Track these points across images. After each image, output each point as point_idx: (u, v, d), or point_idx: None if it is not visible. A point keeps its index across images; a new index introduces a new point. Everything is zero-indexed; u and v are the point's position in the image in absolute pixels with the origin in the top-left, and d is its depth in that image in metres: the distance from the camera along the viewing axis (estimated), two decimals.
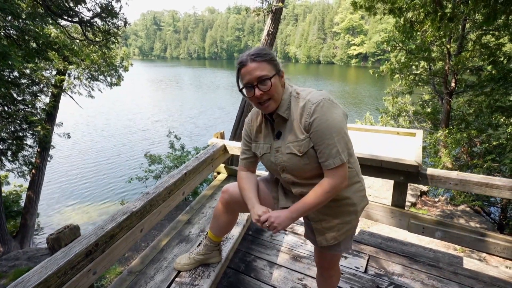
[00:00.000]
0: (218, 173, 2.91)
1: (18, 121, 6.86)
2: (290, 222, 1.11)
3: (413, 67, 7.72)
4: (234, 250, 1.98)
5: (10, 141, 6.93)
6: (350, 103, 27.08)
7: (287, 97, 1.12)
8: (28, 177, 7.90)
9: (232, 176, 2.84)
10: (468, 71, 6.69)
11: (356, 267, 2.05)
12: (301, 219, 1.39)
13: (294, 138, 1.09)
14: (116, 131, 18.74)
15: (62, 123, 8.85)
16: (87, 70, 8.74)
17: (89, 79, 9.02)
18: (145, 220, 1.65)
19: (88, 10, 6.10)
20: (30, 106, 7.11)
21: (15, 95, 6.63)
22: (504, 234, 1.85)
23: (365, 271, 2.01)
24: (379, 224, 3.47)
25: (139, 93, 33.62)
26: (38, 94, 7.49)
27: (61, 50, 5.88)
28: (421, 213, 2.20)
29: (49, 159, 8.54)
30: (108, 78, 9.29)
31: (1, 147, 6.86)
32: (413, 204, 4.54)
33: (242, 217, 2.14)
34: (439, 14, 4.09)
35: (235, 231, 2.00)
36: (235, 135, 6.28)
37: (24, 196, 8.47)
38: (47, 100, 8.02)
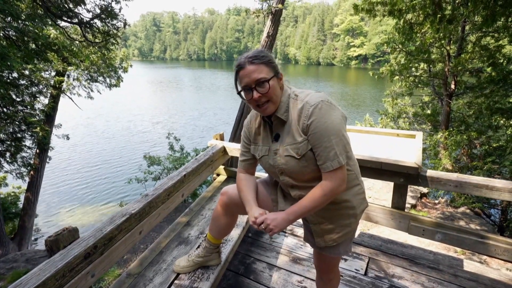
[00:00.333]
0: (218, 174, 2.90)
1: (17, 122, 6.84)
2: (287, 225, 1.10)
3: (413, 68, 7.72)
4: (234, 252, 1.97)
5: (8, 142, 6.91)
6: (351, 104, 27.11)
7: (285, 99, 1.11)
8: (27, 179, 7.87)
9: (231, 177, 2.83)
10: (467, 73, 6.70)
11: (356, 269, 2.04)
12: (301, 221, 1.39)
13: (292, 140, 1.09)
14: (116, 133, 18.71)
15: (61, 125, 8.83)
16: (86, 71, 8.73)
17: (88, 80, 9.01)
18: (144, 222, 1.64)
19: (88, 11, 6.11)
20: (29, 107, 7.09)
21: (14, 96, 6.61)
22: (504, 237, 1.85)
23: (365, 274, 2.00)
24: (379, 226, 3.46)
25: (139, 95, 33.61)
26: (37, 95, 7.47)
27: (61, 51, 5.87)
28: (421, 215, 2.19)
29: (48, 160, 8.51)
30: (108, 79, 9.28)
31: (0, 148, 6.84)
32: (413, 206, 4.53)
33: (242, 219, 2.13)
34: (438, 16, 4.10)
35: (235, 233, 1.99)
36: (235, 137, 6.27)
37: (22, 197, 8.43)
38: (46, 101, 8.00)
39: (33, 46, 5.02)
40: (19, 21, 4.50)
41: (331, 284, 1.43)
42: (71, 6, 5.64)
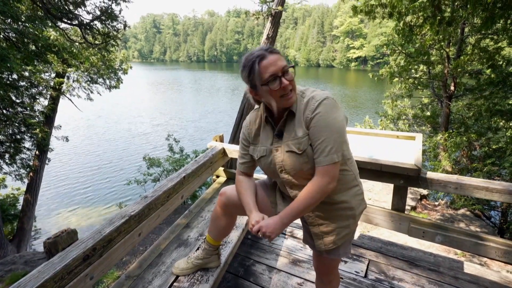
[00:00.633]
0: (217, 176, 2.90)
1: (16, 124, 6.84)
2: (282, 228, 1.10)
3: (413, 70, 7.74)
4: (233, 255, 1.96)
5: (8, 143, 6.90)
6: (351, 106, 27.15)
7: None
8: (26, 180, 7.85)
9: (231, 179, 2.82)
10: (467, 74, 6.72)
11: (356, 271, 2.03)
12: (300, 223, 1.38)
13: (295, 136, 1.09)
14: (116, 135, 18.69)
15: (60, 126, 8.83)
16: (86, 73, 8.74)
17: (88, 82, 9.02)
18: (143, 224, 1.63)
19: (88, 13, 6.13)
20: (28, 108, 7.09)
21: (13, 98, 6.61)
22: (504, 239, 1.84)
23: (365, 276, 1.99)
24: (379, 228, 3.45)
25: (139, 96, 33.63)
26: (37, 97, 7.48)
27: (60, 53, 5.87)
28: (421, 217, 2.19)
29: (47, 162, 8.50)
30: (107, 81, 9.29)
31: None
32: (413, 208, 4.53)
33: (241, 221, 2.12)
34: (438, 18, 4.11)
35: (234, 235, 1.98)
36: (235, 138, 6.27)
37: (21, 199, 8.41)
38: (46, 102, 8.00)
39: (33, 47, 5.02)
40: (19, 23, 4.51)
41: (331, 286, 1.42)
42: (71, 8, 5.66)
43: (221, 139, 2.76)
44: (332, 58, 77.98)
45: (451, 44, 6.77)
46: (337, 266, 1.40)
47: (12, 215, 8.47)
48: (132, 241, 1.56)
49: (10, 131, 6.89)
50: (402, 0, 4.26)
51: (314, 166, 1.08)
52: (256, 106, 1.27)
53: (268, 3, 5.83)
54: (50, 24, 5.62)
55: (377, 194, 4.72)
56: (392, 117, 8.96)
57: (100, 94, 9.57)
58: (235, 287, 1.92)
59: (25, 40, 4.66)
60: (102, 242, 1.34)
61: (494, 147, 5.86)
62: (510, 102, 5.68)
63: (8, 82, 6.06)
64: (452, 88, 6.80)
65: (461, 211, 4.64)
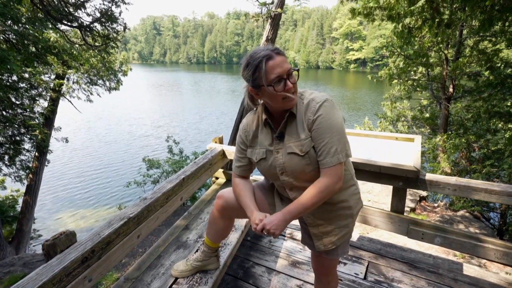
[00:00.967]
0: (217, 178, 2.90)
1: (16, 125, 6.84)
2: (286, 224, 1.10)
3: (411, 72, 7.77)
4: (233, 256, 1.96)
5: (7, 145, 6.90)
6: (350, 108, 27.17)
7: None
8: (25, 182, 7.84)
9: (230, 181, 2.82)
10: (465, 76, 6.73)
11: (355, 273, 2.03)
12: (298, 224, 1.38)
13: (297, 137, 1.09)
14: (117, 137, 18.66)
15: (60, 128, 8.83)
16: (86, 75, 8.76)
17: (88, 84, 9.04)
18: (142, 226, 1.63)
19: (88, 15, 6.15)
20: (28, 110, 7.09)
21: (13, 99, 6.62)
22: (503, 240, 1.84)
23: (365, 278, 1.99)
24: (378, 230, 3.46)
25: (140, 98, 33.59)
26: (36, 98, 7.48)
27: (60, 55, 5.89)
28: (421, 218, 2.19)
29: (46, 163, 8.49)
30: (107, 83, 9.31)
31: None
32: (413, 210, 4.53)
33: (240, 223, 2.12)
34: (436, 20, 4.13)
35: (233, 237, 1.98)
36: (234, 140, 6.27)
37: (20, 201, 8.39)
38: (46, 104, 8.01)
39: (33, 49, 5.03)
40: (19, 25, 4.52)
41: (330, 287, 1.42)
42: (71, 10, 5.68)
43: (221, 141, 2.76)
44: (331, 60, 78.16)
45: (449, 46, 6.80)
46: (336, 266, 1.40)
47: (11, 216, 8.45)
48: (131, 243, 1.56)
49: (10, 133, 6.90)
50: (400, 2, 4.28)
51: (316, 167, 1.09)
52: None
53: (267, 5, 5.86)
54: (50, 26, 5.64)
55: (377, 195, 4.72)
56: (391, 118, 8.98)
57: (100, 96, 9.58)
58: None
59: (25, 41, 4.67)
60: (100, 244, 1.34)
61: (493, 148, 5.87)
62: (509, 104, 5.69)
63: (8, 83, 6.06)
64: (450, 90, 6.82)
65: (460, 212, 4.65)
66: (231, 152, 2.61)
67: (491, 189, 1.75)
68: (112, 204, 10.57)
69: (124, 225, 1.48)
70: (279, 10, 5.73)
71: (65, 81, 8.36)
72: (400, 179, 1.97)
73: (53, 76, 8.19)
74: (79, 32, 6.49)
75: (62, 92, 8.38)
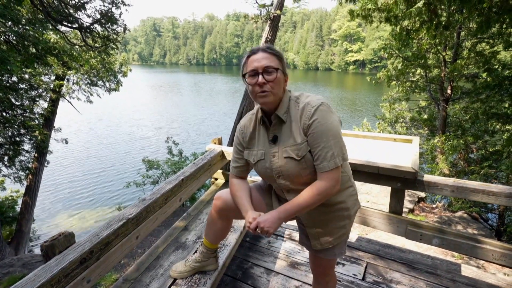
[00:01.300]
0: (216, 179, 2.90)
1: (15, 126, 6.84)
2: (280, 223, 1.10)
3: (410, 74, 7.79)
4: (231, 257, 1.96)
5: (7, 146, 6.90)
6: (349, 109, 27.23)
7: (286, 100, 1.13)
8: (25, 182, 7.83)
9: None
10: (463, 78, 6.76)
11: (353, 274, 2.03)
12: (295, 224, 1.39)
13: (293, 142, 1.10)
14: (117, 138, 18.63)
15: (60, 128, 8.83)
16: (86, 76, 8.77)
17: (88, 84, 9.05)
18: (141, 227, 1.64)
19: (88, 16, 6.16)
20: (28, 111, 7.10)
21: (13, 100, 6.62)
22: (501, 241, 1.85)
23: (363, 279, 2.00)
24: (376, 231, 3.47)
25: (140, 99, 33.57)
26: (36, 99, 7.49)
27: (60, 56, 5.90)
28: (419, 219, 2.20)
29: (46, 164, 8.49)
30: (107, 84, 9.32)
31: None
32: (411, 210, 4.54)
33: (239, 224, 2.13)
34: (434, 22, 4.15)
35: (232, 238, 1.98)
36: (233, 141, 6.28)
37: (20, 201, 8.38)
38: (45, 105, 8.01)
39: (33, 50, 5.04)
40: (20, 26, 4.53)
41: (328, 287, 1.43)
42: (71, 11, 5.69)
43: (220, 142, 2.77)
44: (330, 62, 78.28)
45: (447, 48, 6.83)
46: (334, 266, 1.41)
47: (11, 217, 8.45)
48: (130, 244, 1.56)
49: (10, 133, 6.90)
50: (398, 4, 4.30)
51: (312, 171, 1.10)
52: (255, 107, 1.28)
53: (266, 7, 5.88)
54: (50, 27, 5.65)
55: (375, 196, 4.73)
56: (389, 120, 8.99)
57: (100, 97, 9.60)
58: None
59: (25, 42, 4.68)
60: (99, 245, 1.35)
61: (491, 150, 5.89)
62: (506, 105, 5.72)
63: (8, 84, 6.07)
64: (449, 91, 6.85)
65: (459, 213, 4.66)
66: (230, 153, 2.62)
67: (489, 190, 1.76)
68: (112, 205, 10.56)
69: (123, 226, 1.49)
70: (278, 12, 5.76)
71: (65, 82, 8.37)
72: (398, 180, 1.98)
73: (53, 77, 8.20)
74: (79, 33, 6.50)
75: (62, 93, 8.39)
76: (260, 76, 1.06)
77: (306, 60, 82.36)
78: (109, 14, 6.25)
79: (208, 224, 1.56)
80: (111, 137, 18.77)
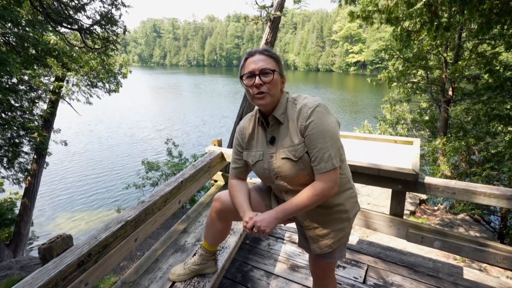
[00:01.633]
0: (215, 181, 2.89)
1: (15, 128, 6.83)
2: (277, 223, 1.10)
3: (411, 75, 7.78)
4: (231, 260, 1.94)
5: (6, 147, 6.89)
6: (350, 110, 27.22)
7: (284, 102, 1.14)
8: (24, 184, 7.82)
9: None
10: (465, 79, 6.75)
11: (354, 277, 2.01)
12: (295, 226, 1.38)
13: (290, 143, 1.09)
14: (118, 140, 18.61)
15: (60, 130, 8.83)
16: (85, 77, 8.77)
17: (87, 86, 9.04)
18: (140, 229, 1.62)
19: (88, 17, 6.15)
20: (27, 112, 7.09)
21: (12, 102, 6.61)
22: (504, 244, 1.83)
23: (364, 282, 1.97)
24: (378, 233, 3.44)
25: (140, 101, 33.56)
26: (36, 101, 7.48)
27: (60, 57, 5.90)
28: (420, 222, 2.18)
29: (45, 166, 8.47)
30: (107, 85, 9.31)
31: None
32: (412, 213, 4.51)
33: (239, 226, 2.11)
34: (435, 23, 4.15)
35: (232, 240, 1.96)
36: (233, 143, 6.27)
37: (19, 203, 8.37)
38: (45, 106, 8.01)
39: (33, 51, 5.04)
40: (19, 27, 4.53)
41: None
42: (71, 12, 5.69)
43: (219, 144, 2.75)
44: (331, 63, 78.38)
45: (448, 49, 6.83)
46: (333, 269, 1.40)
47: (9, 219, 8.42)
48: (129, 246, 1.54)
49: (9, 135, 6.88)
50: (399, 6, 4.30)
51: (310, 172, 1.09)
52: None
53: (267, 9, 5.89)
54: (50, 28, 5.65)
55: (376, 198, 4.71)
56: (390, 121, 8.98)
57: (100, 98, 9.59)
58: None
59: (25, 44, 4.68)
60: (97, 248, 1.33)
61: (492, 151, 5.87)
62: (508, 107, 5.70)
63: (7, 86, 6.07)
64: (450, 92, 6.84)
65: (461, 216, 4.63)
66: (229, 155, 2.60)
67: (491, 192, 1.74)
68: (111, 207, 10.54)
69: (122, 229, 1.47)
70: (278, 13, 5.76)
71: (64, 83, 8.37)
72: (399, 182, 1.96)
73: (52, 79, 8.20)
74: (79, 34, 6.49)
75: (61, 94, 8.39)
76: (257, 78, 1.07)
77: (306, 61, 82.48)
78: (109, 16, 6.25)
79: (207, 226, 1.55)
80: (112, 139, 18.76)
